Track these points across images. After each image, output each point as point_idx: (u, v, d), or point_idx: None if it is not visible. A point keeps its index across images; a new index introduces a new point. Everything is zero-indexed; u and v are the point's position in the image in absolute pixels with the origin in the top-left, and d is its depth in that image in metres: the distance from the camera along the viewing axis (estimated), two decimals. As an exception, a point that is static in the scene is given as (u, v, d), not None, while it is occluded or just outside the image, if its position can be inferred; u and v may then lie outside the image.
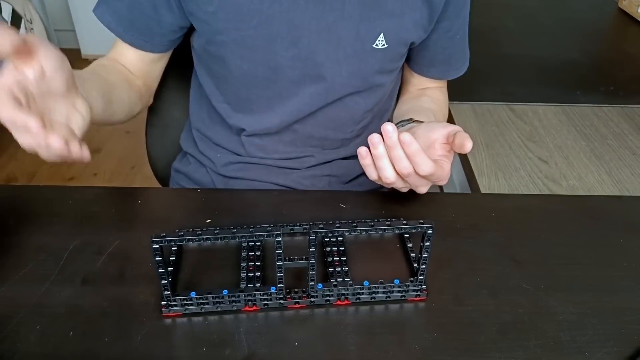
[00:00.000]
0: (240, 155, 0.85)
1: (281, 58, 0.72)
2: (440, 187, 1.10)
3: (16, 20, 2.07)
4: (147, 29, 0.75)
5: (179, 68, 0.88)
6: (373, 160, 0.56)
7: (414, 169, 0.55)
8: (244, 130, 0.82)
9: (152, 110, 0.96)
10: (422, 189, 0.60)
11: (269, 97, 0.77)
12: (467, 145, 0.56)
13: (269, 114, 0.79)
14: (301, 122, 0.80)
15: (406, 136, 0.53)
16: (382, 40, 0.73)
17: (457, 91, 1.04)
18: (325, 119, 0.80)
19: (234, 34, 0.71)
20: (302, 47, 0.71)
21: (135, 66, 0.79)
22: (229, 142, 0.85)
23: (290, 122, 0.80)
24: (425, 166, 0.54)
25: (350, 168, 0.88)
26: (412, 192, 0.62)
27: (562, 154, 0.90)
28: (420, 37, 0.77)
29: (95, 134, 2.36)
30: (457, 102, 1.02)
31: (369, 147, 0.56)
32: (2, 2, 2.04)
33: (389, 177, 0.56)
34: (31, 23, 2.15)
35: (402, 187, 0.60)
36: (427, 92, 0.87)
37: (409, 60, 0.85)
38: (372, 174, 0.58)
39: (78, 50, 2.90)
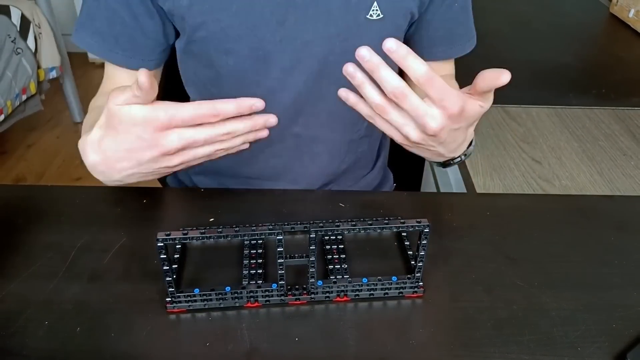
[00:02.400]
0: (250, 178, 0.80)
1: (268, 43, 0.66)
2: (437, 187, 1.10)
3: (25, 24, 2.07)
4: (131, 42, 0.68)
5: (172, 83, 0.85)
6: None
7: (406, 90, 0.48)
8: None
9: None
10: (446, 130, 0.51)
11: (262, 94, 0.73)
12: (503, 77, 0.48)
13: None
14: (302, 122, 0.74)
15: (389, 42, 0.46)
16: (377, 10, 0.66)
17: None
18: (326, 115, 0.74)
19: (214, 27, 0.65)
20: (289, 26, 0.65)
21: None
22: (220, 165, 0.75)
23: (289, 120, 0.73)
24: (418, 70, 0.46)
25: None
26: (409, 194, 0.62)
27: (555, 154, 0.90)
28: (418, 5, 0.70)
29: (101, 135, 2.36)
30: (453, 104, 1.02)
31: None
32: (11, 7, 2.04)
33: (377, 102, 0.49)
34: (39, 27, 2.15)
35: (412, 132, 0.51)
36: None
37: (410, 46, 0.80)
38: (363, 110, 0.53)
39: (85, 54, 2.91)
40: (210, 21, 0.65)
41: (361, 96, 0.52)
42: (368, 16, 0.66)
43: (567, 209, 0.70)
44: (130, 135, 0.51)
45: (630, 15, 1.41)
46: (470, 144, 0.65)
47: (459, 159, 0.65)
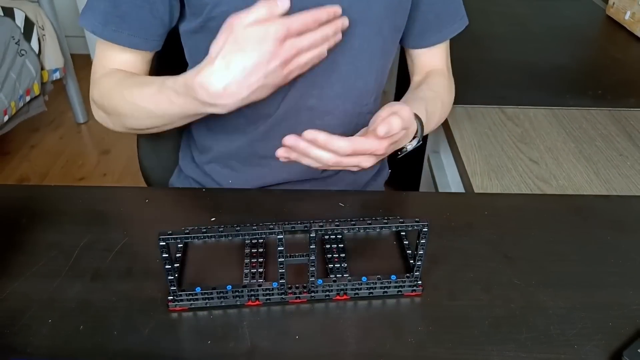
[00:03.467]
0: (259, 166, 0.81)
1: (289, 14, 0.68)
2: (435, 187, 1.10)
3: (29, 26, 2.07)
4: (139, 21, 0.69)
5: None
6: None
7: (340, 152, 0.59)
8: (260, 117, 0.77)
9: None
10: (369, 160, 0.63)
11: None
12: (378, 129, 0.59)
13: (279, 93, 0.72)
14: (317, 94, 0.75)
15: (308, 134, 0.58)
16: None
17: (452, 95, 1.04)
18: (340, 86, 0.76)
19: (237, 1, 0.65)
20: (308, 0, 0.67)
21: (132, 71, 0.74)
22: (237, 144, 0.80)
23: (305, 92, 0.75)
24: (342, 147, 0.58)
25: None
26: (408, 194, 0.62)
27: (552, 155, 0.90)
28: None
29: (104, 136, 2.36)
30: (451, 105, 1.02)
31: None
32: (15, 10, 2.04)
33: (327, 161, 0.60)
34: (43, 29, 2.15)
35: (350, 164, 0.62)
36: (427, 80, 0.83)
37: (403, 38, 0.81)
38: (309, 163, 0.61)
39: (88, 56, 2.90)
40: None
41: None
42: None
43: (564, 208, 0.70)
44: (257, 51, 0.58)
45: (627, 17, 1.41)
46: (417, 131, 0.71)
47: (405, 149, 0.72)
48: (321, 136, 0.58)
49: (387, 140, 0.61)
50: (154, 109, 0.68)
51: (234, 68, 0.59)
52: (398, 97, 0.86)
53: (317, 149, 0.59)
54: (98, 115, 0.78)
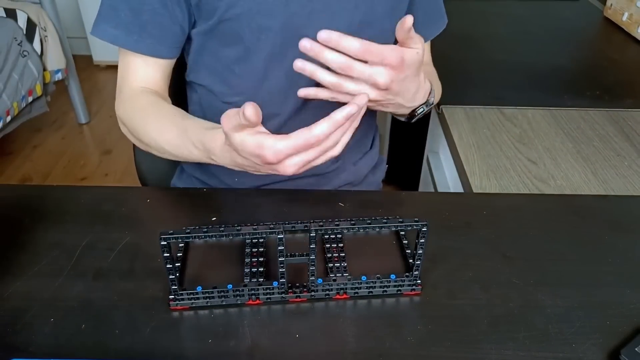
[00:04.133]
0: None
1: (298, 17, 0.69)
2: (434, 187, 1.10)
3: (31, 27, 2.07)
4: (161, 29, 0.70)
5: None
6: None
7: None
8: (269, 116, 0.76)
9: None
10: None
11: (288, 67, 0.71)
12: (407, 21, 0.57)
13: (289, 92, 0.74)
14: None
15: (322, 33, 0.56)
16: None
17: (450, 95, 1.04)
18: None
19: (249, 3, 0.67)
20: (317, 1, 0.68)
21: (157, 82, 0.75)
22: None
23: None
24: (353, 46, 0.56)
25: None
26: (407, 194, 0.62)
27: (550, 155, 0.90)
28: None
29: (106, 136, 2.36)
30: (450, 105, 1.02)
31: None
32: (17, 11, 2.04)
33: (332, 80, 0.59)
34: (45, 30, 2.15)
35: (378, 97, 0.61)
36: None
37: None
38: (324, 95, 0.61)
39: (90, 57, 2.91)
40: None
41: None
42: None
43: (562, 208, 0.70)
44: (247, 160, 0.57)
45: (624, 18, 1.41)
46: (430, 94, 0.71)
47: (421, 109, 0.71)
48: (334, 35, 0.56)
49: (399, 56, 0.58)
50: (172, 151, 0.69)
51: (229, 157, 0.60)
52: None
53: (330, 50, 0.57)
54: (122, 128, 0.77)
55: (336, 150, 0.58)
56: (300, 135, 0.53)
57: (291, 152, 0.54)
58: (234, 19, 0.69)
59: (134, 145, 0.95)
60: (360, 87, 0.60)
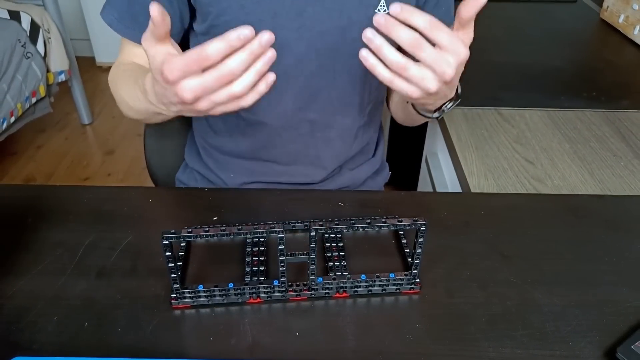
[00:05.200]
0: (256, 170, 0.82)
1: (287, 31, 0.69)
2: (433, 187, 1.10)
3: (35, 29, 2.07)
4: (148, 21, 0.71)
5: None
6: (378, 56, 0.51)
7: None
8: (260, 123, 0.77)
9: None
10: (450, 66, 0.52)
11: (277, 79, 0.71)
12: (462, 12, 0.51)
13: (280, 100, 0.74)
14: (316, 108, 0.76)
15: (394, 6, 0.49)
16: (384, 5, 0.70)
17: (449, 96, 1.04)
18: (338, 101, 0.77)
19: (238, 12, 0.68)
20: (307, 16, 0.69)
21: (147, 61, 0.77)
22: (241, 148, 0.82)
23: (305, 105, 0.76)
24: (423, 20, 0.49)
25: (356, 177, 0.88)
26: (406, 193, 0.62)
27: (547, 155, 0.90)
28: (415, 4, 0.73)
29: (109, 137, 2.36)
30: (448, 106, 1.02)
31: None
32: (21, 13, 2.04)
33: (398, 59, 0.50)
34: (49, 32, 2.15)
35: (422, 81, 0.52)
36: None
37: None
38: (382, 73, 0.52)
39: (92, 58, 2.90)
40: (235, 6, 0.68)
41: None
42: (376, 10, 0.70)
43: (558, 208, 0.70)
44: (158, 84, 0.53)
45: (620, 20, 1.41)
46: (458, 87, 0.66)
47: (450, 104, 0.66)
48: (407, 7, 0.49)
49: (463, 47, 0.52)
50: (129, 103, 0.69)
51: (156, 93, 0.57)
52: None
53: (402, 26, 0.50)
54: (111, 90, 0.79)
55: (246, 100, 0.51)
56: (193, 51, 0.48)
57: (185, 69, 0.49)
58: (223, 26, 0.68)
59: (144, 139, 0.98)
60: (425, 73, 0.52)
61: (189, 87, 0.49)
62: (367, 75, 0.77)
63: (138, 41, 0.71)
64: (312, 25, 0.69)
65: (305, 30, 0.70)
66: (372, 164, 0.93)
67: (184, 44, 0.79)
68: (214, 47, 0.48)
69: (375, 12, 0.70)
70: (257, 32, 0.67)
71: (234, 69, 0.49)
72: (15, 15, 2.03)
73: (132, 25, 0.72)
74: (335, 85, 0.76)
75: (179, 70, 0.49)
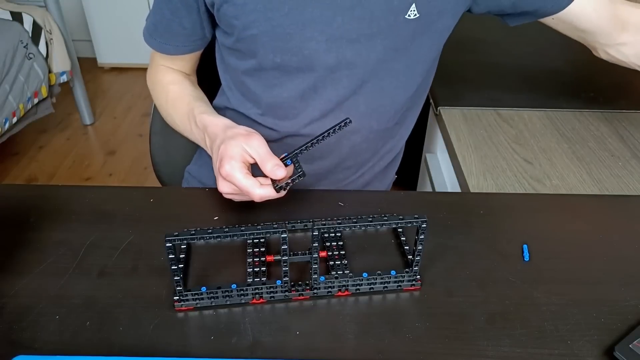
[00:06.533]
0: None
1: (315, 43, 0.67)
2: (432, 186, 1.10)
3: (37, 30, 2.07)
4: (168, 32, 0.74)
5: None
6: None
7: None
8: (284, 131, 0.77)
9: (154, 117, 0.95)
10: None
11: (305, 89, 0.72)
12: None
13: (306, 109, 0.74)
14: (342, 115, 0.74)
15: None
16: (414, 10, 0.67)
17: (448, 97, 1.04)
18: (365, 107, 0.75)
19: (265, 25, 0.66)
20: (335, 27, 0.66)
21: (176, 65, 0.81)
22: None
23: (330, 113, 0.74)
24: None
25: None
26: (406, 193, 0.62)
27: (545, 155, 0.89)
28: (462, 4, 0.71)
29: (110, 137, 2.36)
30: (447, 107, 1.02)
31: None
32: (23, 14, 2.04)
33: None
34: (50, 33, 2.15)
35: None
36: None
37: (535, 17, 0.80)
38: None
39: (94, 59, 2.90)
40: (262, 19, 0.66)
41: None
42: (406, 16, 0.67)
43: (557, 207, 0.70)
44: (216, 156, 0.62)
45: (618, 21, 1.41)
46: None
47: None
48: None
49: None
50: (179, 126, 0.77)
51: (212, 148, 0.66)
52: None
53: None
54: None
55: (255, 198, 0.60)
56: (245, 185, 0.57)
57: (233, 190, 0.60)
58: (251, 39, 0.69)
59: (149, 138, 0.99)
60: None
61: (225, 191, 0.61)
62: (398, 77, 0.75)
63: (159, 50, 0.78)
64: (341, 36, 0.67)
65: (333, 41, 0.68)
66: (390, 168, 0.92)
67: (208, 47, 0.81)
68: (261, 195, 0.58)
69: (405, 18, 0.67)
70: (285, 45, 0.68)
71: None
72: (17, 17, 2.03)
73: (153, 34, 0.76)
74: (363, 92, 0.74)
75: (229, 187, 0.60)
